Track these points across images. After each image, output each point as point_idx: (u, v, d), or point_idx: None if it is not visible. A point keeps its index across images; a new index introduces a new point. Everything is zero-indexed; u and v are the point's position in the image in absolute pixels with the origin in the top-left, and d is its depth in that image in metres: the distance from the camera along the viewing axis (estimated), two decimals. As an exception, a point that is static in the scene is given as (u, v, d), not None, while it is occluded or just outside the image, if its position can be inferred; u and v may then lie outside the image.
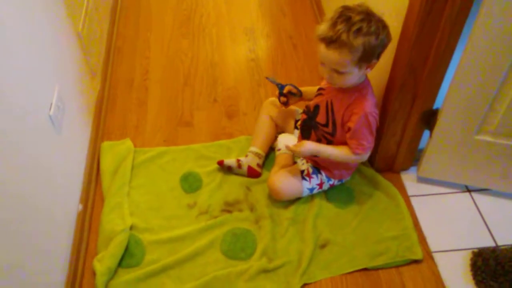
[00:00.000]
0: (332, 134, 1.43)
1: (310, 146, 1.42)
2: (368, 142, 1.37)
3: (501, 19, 1.15)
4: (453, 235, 1.48)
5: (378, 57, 1.27)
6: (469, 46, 1.23)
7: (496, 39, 1.18)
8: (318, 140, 1.48)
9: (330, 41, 1.21)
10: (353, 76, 1.28)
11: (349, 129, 1.36)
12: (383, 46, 1.25)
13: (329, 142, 1.46)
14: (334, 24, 1.20)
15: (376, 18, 1.21)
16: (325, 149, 1.42)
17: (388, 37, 1.25)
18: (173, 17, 2.39)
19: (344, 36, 1.18)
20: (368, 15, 1.20)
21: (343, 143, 1.42)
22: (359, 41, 1.19)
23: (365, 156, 1.41)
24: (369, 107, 1.33)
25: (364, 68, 1.26)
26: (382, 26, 1.22)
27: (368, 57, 1.23)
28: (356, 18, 1.19)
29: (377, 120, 1.36)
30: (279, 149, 1.65)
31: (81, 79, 1.68)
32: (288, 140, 1.56)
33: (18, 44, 1.17)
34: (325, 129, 1.44)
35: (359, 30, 1.18)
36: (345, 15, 1.20)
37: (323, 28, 1.22)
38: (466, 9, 1.19)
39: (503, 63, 1.23)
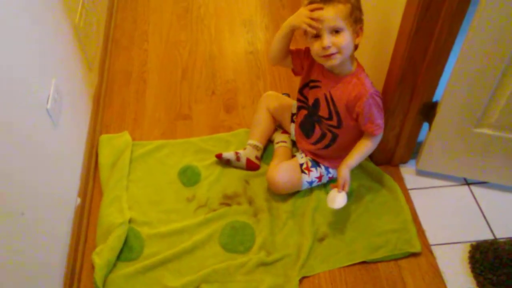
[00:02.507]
0: (338, 126, 1.43)
1: (346, 170, 1.38)
2: (382, 119, 1.38)
3: (501, 11, 1.14)
4: (452, 228, 1.48)
5: (361, 20, 1.30)
6: (469, 38, 1.22)
7: (496, 31, 1.18)
8: (323, 134, 1.47)
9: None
10: (349, 40, 1.27)
11: (357, 115, 1.35)
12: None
13: (334, 136, 1.45)
14: None
15: None
16: (355, 159, 1.40)
17: None
18: (172, 9, 2.37)
19: None
20: None
21: (350, 135, 1.42)
22: None
23: (381, 136, 1.41)
24: (370, 87, 1.33)
25: (355, 33, 1.28)
26: None
27: (357, 15, 1.26)
28: None
29: (380, 97, 1.37)
30: (277, 142, 1.64)
31: (79, 72, 1.67)
32: (337, 199, 1.38)
33: (13, 37, 1.16)
34: (330, 122, 1.43)
35: None
36: None
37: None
38: (465, 3, 1.18)
39: (503, 55, 1.22)
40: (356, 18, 1.27)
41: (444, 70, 1.36)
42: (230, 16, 2.33)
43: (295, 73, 1.51)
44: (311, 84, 1.45)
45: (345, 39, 1.27)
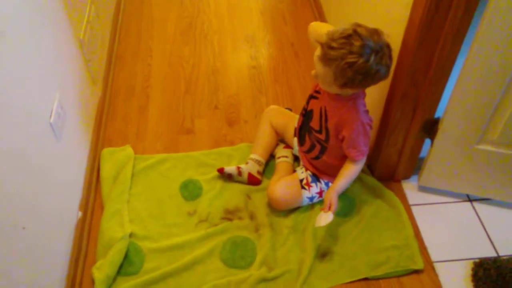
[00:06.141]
0: (326, 141, 1.43)
1: (332, 193, 1.39)
2: (366, 146, 1.38)
3: (502, 30, 1.14)
4: (454, 245, 1.47)
5: (355, 83, 1.22)
6: (471, 55, 1.22)
7: (497, 49, 1.18)
8: (312, 146, 1.48)
9: (322, 55, 1.21)
10: (328, 80, 1.25)
11: (343, 138, 1.36)
12: (363, 76, 1.20)
13: (323, 148, 1.46)
14: (334, 44, 1.19)
15: (371, 47, 1.17)
16: (341, 183, 1.41)
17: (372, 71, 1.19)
18: (175, 24, 2.40)
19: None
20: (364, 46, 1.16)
21: (337, 150, 1.43)
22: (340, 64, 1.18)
23: (364, 160, 1.42)
24: (363, 115, 1.34)
25: (339, 82, 1.24)
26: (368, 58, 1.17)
27: (340, 77, 1.21)
28: (356, 44, 1.16)
29: (371, 125, 1.38)
30: (279, 157, 1.65)
31: (82, 86, 1.68)
32: (322, 218, 1.38)
33: (19, 52, 1.17)
34: (319, 135, 1.44)
35: (345, 56, 1.17)
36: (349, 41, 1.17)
37: (327, 41, 1.20)
38: (467, 20, 1.19)
39: (504, 73, 1.23)
40: (339, 80, 1.22)
41: (446, 87, 1.36)
42: (233, 32, 2.36)
43: None
44: (314, 94, 1.46)
45: (321, 76, 1.27)
